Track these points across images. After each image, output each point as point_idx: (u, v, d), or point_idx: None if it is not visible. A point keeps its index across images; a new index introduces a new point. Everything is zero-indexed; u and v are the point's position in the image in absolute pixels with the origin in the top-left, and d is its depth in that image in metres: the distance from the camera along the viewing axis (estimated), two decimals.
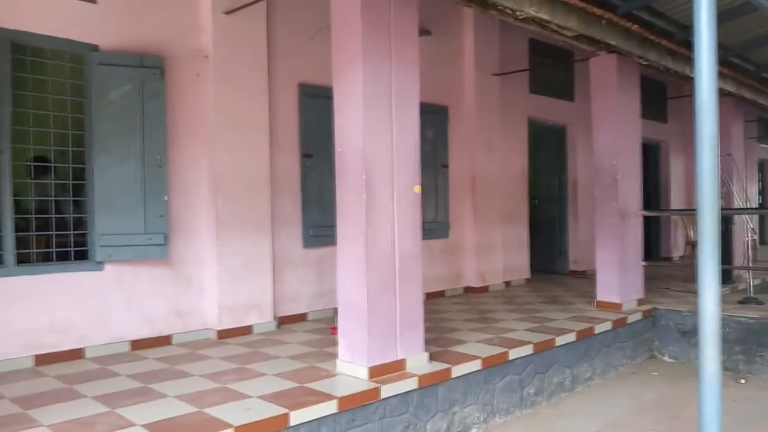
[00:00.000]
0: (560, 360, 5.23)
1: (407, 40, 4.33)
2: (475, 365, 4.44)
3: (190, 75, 5.34)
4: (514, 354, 4.76)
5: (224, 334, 5.30)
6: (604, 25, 5.73)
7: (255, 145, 5.62)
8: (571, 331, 5.40)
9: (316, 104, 6.11)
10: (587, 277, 8.67)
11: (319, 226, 6.17)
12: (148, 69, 4.96)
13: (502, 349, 4.73)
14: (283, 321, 5.82)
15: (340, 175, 4.20)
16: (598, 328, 5.69)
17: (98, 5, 4.85)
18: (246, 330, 5.46)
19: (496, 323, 5.79)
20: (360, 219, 4.02)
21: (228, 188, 5.40)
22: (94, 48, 4.84)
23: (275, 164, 5.83)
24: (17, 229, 4.55)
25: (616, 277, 6.45)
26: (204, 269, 5.37)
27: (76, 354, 4.66)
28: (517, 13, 4.93)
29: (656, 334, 6.54)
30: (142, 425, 3.18)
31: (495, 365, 4.60)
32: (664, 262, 11.45)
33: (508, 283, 8.33)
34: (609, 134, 6.55)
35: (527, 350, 4.89)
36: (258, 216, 5.61)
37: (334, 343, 4.37)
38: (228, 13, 5.40)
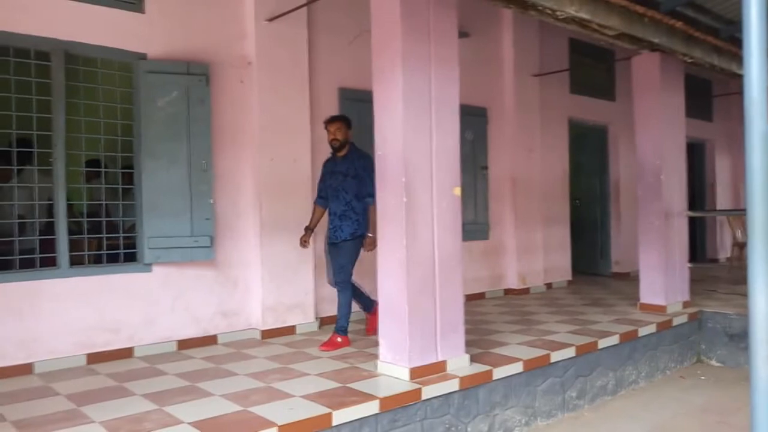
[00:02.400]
0: (603, 363, 5.16)
1: (447, 43, 4.34)
2: (517, 367, 4.42)
3: (234, 81, 5.46)
4: (556, 356, 4.71)
5: (268, 334, 5.39)
6: (646, 23, 5.64)
7: (296, 148, 5.71)
8: (615, 333, 5.32)
9: (355, 108, 6.16)
10: (630, 278, 8.51)
11: None
12: (194, 76, 5.09)
13: (543, 352, 4.69)
14: (324, 321, 5.88)
15: (381, 178, 4.23)
16: (642, 331, 5.59)
17: (146, 15, 5.01)
18: (289, 330, 5.55)
19: (538, 325, 5.74)
20: (400, 221, 4.05)
21: (271, 191, 5.50)
22: (142, 56, 4.99)
23: (316, 167, 5.89)
24: (70, 232, 4.73)
25: (661, 278, 6.32)
26: (248, 270, 5.48)
27: (126, 353, 4.81)
28: (557, 13, 4.89)
29: (703, 337, 6.38)
30: (190, 423, 3.26)
31: (537, 368, 4.57)
32: (710, 264, 11.15)
33: (549, 285, 8.24)
34: (652, 134, 6.43)
35: (569, 353, 4.84)
36: (300, 218, 5.68)
37: (375, 344, 4.41)
38: (270, 20, 5.50)
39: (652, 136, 6.43)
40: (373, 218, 4.79)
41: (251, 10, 5.49)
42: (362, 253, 5.13)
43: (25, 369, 4.38)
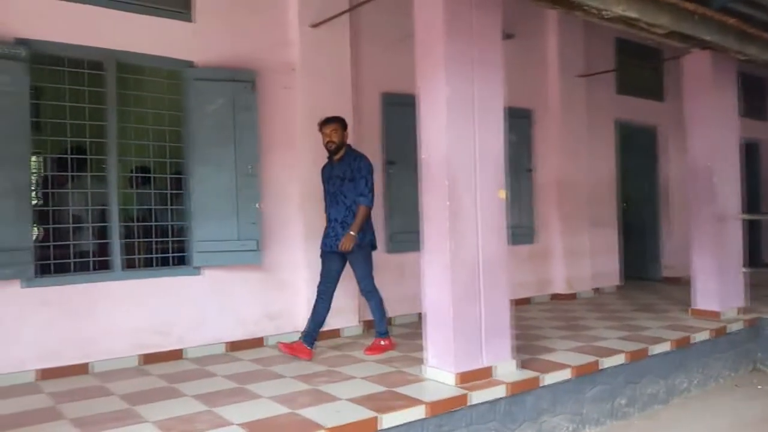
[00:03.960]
0: (654, 370, 5.02)
1: (491, 45, 4.31)
2: (565, 374, 4.34)
3: (279, 87, 5.54)
4: (605, 363, 4.61)
5: None
6: (697, 20, 5.47)
7: None
8: (666, 340, 5.18)
9: (398, 112, 6.18)
10: (682, 283, 8.26)
11: (402, 232, 6.23)
12: (241, 83, 5.19)
13: (592, 358, 4.60)
14: (368, 325, 5.89)
15: (425, 182, 4.23)
16: (695, 338, 5.42)
17: (194, 24, 5.14)
18: (334, 333, 5.58)
19: (586, 331, 5.63)
20: (445, 225, 4.03)
21: (316, 196, 5.53)
22: (191, 64, 5.12)
23: None
24: (123, 236, 4.87)
25: (714, 283, 6.12)
26: (295, 274, 5.55)
27: (176, 354, 4.93)
28: (604, 12, 4.80)
29: (760, 345, 6.14)
30: (239, 424, 3.31)
31: (585, 374, 4.48)
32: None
33: (597, 290, 8.08)
34: (704, 134, 6.25)
35: (619, 359, 4.73)
36: None
37: (420, 348, 4.40)
38: (314, 26, 5.57)
39: (704, 137, 6.24)
40: (359, 218, 4.77)
41: (295, 16, 5.57)
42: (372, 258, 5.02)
43: (82, 369, 4.53)
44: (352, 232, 4.75)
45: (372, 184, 4.85)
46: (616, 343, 5.11)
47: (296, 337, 5.43)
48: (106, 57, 4.77)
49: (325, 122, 4.88)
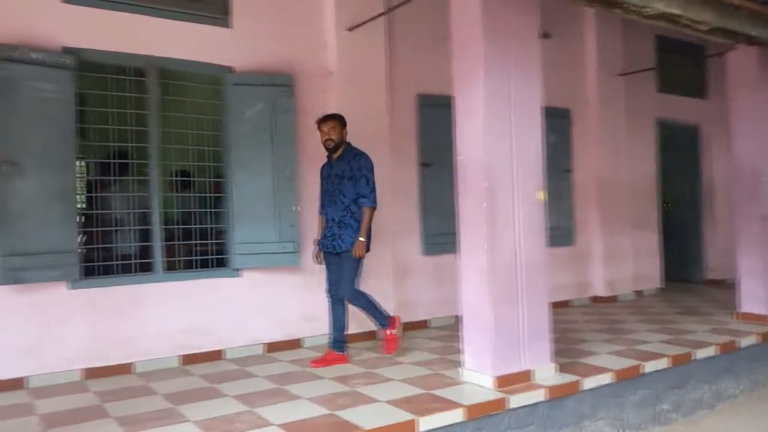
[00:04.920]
0: (699, 375, 4.89)
1: (528, 45, 4.27)
2: (607, 378, 4.27)
3: (316, 91, 5.58)
4: (648, 367, 4.51)
5: (351, 339, 5.41)
6: (743, 15, 5.32)
7: (376, 155, 5.69)
8: (711, 344, 5.04)
9: (434, 114, 6.17)
10: (726, 286, 8.03)
11: (438, 234, 6.21)
12: (279, 87, 5.24)
13: (634, 362, 4.51)
14: (406, 327, 5.87)
15: (462, 184, 4.20)
16: (742, 342, 5.26)
17: (233, 29, 5.21)
18: (371, 335, 5.59)
19: (627, 334, 5.52)
20: (482, 227, 4.00)
21: None
22: (230, 70, 5.19)
23: (395, 173, 5.94)
24: (164, 238, 4.97)
25: (762, 286, 5.94)
26: None
27: (216, 355, 5.00)
28: (645, 10, 4.71)
29: None
30: (279, 425, 3.34)
31: (627, 379, 4.39)
32: None
33: (639, 293, 7.92)
34: (750, 133, 6.06)
35: (662, 364, 4.62)
36: (380, 224, 5.70)
37: (458, 351, 4.37)
38: (350, 29, 5.60)
39: (750, 136, 6.06)
40: (365, 221, 4.64)
41: (332, 20, 5.61)
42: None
43: (125, 369, 4.64)
44: (361, 238, 4.63)
45: (374, 182, 4.69)
46: (659, 347, 4.99)
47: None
48: (147, 63, 4.88)
49: (323, 119, 4.75)
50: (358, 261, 4.72)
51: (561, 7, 7.08)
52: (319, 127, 4.75)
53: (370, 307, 4.82)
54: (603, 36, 7.70)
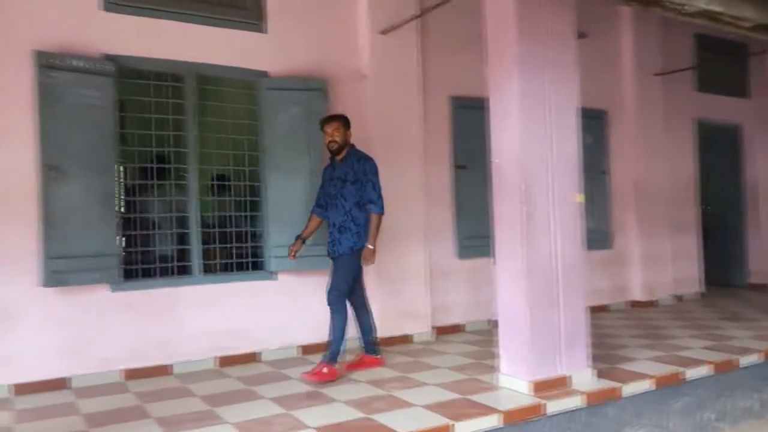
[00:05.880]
0: (746, 383, 4.73)
1: (564, 45, 4.22)
2: (647, 384, 4.17)
3: (350, 94, 5.59)
4: (690, 374, 4.40)
5: (385, 342, 5.43)
6: None
7: (409, 158, 5.76)
8: (758, 351, 4.88)
9: (467, 116, 6.14)
10: None
11: (473, 237, 6.17)
12: (313, 91, 5.28)
13: (676, 369, 4.40)
14: (440, 331, 5.86)
15: (497, 186, 4.16)
16: None
17: (268, 35, 5.27)
18: (405, 339, 5.58)
19: (668, 340, 5.40)
20: (519, 230, 3.96)
21: (386, 200, 5.53)
22: (265, 74, 5.25)
23: (429, 176, 5.93)
24: (202, 241, 5.04)
25: None
26: (365, 278, 5.53)
27: (252, 357, 5.05)
28: (685, 7, 4.59)
29: None
30: (315, 428, 3.35)
31: (669, 385, 4.28)
32: None
33: (678, 297, 7.75)
34: None
35: (705, 370, 4.49)
36: (413, 227, 5.74)
37: (493, 356, 4.33)
38: (384, 32, 5.60)
39: None
40: (374, 227, 4.47)
41: (366, 24, 5.62)
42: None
43: (164, 370, 4.71)
44: (370, 246, 4.46)
45: (380, 187, 4.53)
46: (701, 353, 4.86)
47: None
48: (185, 69, 4.96)
49: (327, 120, 4.61)
50: (354, 267, 4.53)
51: (597, 6, 6.98)
52: (322, 129, 4.61)
53: (339, 329, 4.44)
54: (640, 35, 7.57)
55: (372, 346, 4.79)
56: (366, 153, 4.70)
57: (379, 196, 4.51)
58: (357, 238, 4.49)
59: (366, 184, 4.50)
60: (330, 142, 4.56)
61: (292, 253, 4.75)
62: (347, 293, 4.54)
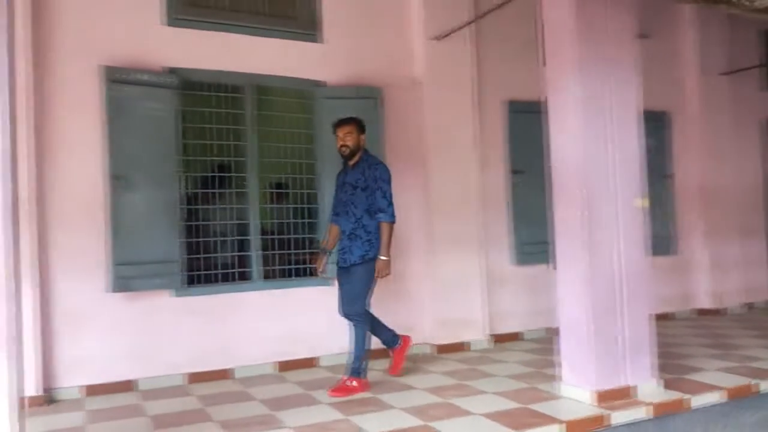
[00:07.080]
0: None
1: (624, 45, 4.12)
2: (717, 396, 4.00)
3: (404, 101, 5.61)
4: (763, 386, 4.19)
5: (442, 350, 5.42)
6: None
7: (465, 163, 5.72)
8: None
9: (523, 120, 6.05)
10: None
11: (530, 243, 6.07)
12: (367, 99, 5.32)
13: (749, 380, 4.20)
14: (498, 339, 5.78)
15: (557, 191, 4.08)
16: None
17: (323, 44, 5.34)
18: (462, 346, 5.53)
19: (739, 350, 5.16)
20: (580, 236, 3.87)
21: (441, 206, 5.55)
22: (320, 84, 5.32)
23: (485, 182, 5.88)
24: (261, 248, 5.13)
25: None
26: (419, 284, 5.58)
27: (310, 362, 5.10)
28: (754, 3, 4.41)
29: None
30: None
31: (742, 398, 4.09)
32: None
33: (749, 305, 7.40)
34: None
35: None
36: (469, 233, 5.69)
37: (553, 364, 4.24)
38: (438, 39, 5.59)
39: None
40: (386, 238, 4.26)
41: (419, 31, 5.63)
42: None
43: (225, 374, 4.81)
44: (383, 257, 4.25)
45: (391, 195, 4.31)
46: None
47: (423, 350, 5.48)
48: (244, 81, 5.08)
49: (339, 123, 4.38)
50: (369, 277, 4.32)
51: (659, 4, 6.78)
52: (334, 132, 4.41)
53: (361, 341, 4.32)
54: (704, 33, 7.31)
55: (359, 367, 4.33)
56: (379, 159, 4.54)
57: (390, 204, 4.30)
58: (368, 247, 4.30)
59: (376, 191, 4.30)
60: (342, 146, 4.36)
61: (320, 267, 4.59)
62: (366, 305, 4.37)
